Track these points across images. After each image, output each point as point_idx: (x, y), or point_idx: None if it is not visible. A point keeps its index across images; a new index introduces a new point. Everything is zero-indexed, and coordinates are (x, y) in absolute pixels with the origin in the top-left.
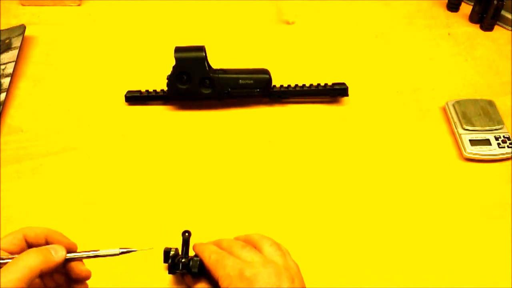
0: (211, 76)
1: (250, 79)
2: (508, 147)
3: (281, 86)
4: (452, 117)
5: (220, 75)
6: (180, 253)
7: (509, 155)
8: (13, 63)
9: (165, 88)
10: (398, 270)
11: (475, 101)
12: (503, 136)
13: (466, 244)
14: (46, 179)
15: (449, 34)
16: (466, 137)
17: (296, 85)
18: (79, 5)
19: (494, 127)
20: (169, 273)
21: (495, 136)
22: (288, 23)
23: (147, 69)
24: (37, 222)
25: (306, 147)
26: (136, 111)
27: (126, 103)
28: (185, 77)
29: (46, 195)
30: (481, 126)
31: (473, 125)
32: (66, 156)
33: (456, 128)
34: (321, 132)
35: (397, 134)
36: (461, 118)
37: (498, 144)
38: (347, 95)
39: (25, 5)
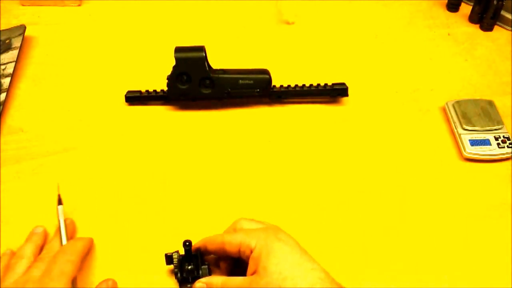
0: (211, 76)
1: (250, 79)
2: (508, 147)
3: (281, 86)
4: (452, 117)
5: (220, 75)
6: (182, 258)
7: (509, 155)
8: (13, 63)
9: (165, 88)
10: (398, 270)
11: (475, 101)
12: (503, 136)
13: (466, 244)
14: (46, 179)
15: (449, 34)
16: (466, 137)
17: (296, 85)
18: (79, 5)
19: (494, 127)
20: (180, 286)
21: (494, 136)
22: (288, 23)
23: (147, 69)
24: (37, 222)
25: (306, 147)
26: (136, 111)
27: (126, 103)
28: (185, 77)
29: (46, 195)
30: (481, 126)
31: (473, 125)
32: (66, 156)
33: (456, 128)
34: (321, 132)
35: (397, 134)
36: (461, 118)
37: (498, 144)
38: (347, 95)
39: (25, 5)
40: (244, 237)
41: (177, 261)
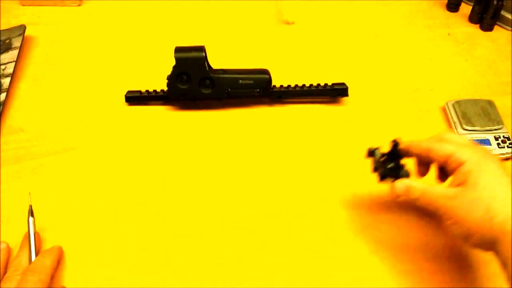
0: (211, 76)
1: (250, 79)
2: (507, 147)
3: (281, 86)
4: (452, 117)
5: (220, 75)
6: (384, 155)
7: (509, 155)
8: (13, 63)
9: (165, 88)
10: (398, 270)
11: (475, 101)
12: (503, 136)
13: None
14: (46, 179)
15: (449, 34)
16: (466, 137)
17: (296, 85)
18: (79, 5)
19: (494, 127)
20: (380, 180)
21: (495, 136)
22: (288, 23)
23: (147, 69)
24: (37, 223)
25: (306, 147)
26: (136, 111)
27: (126, 103)
28: (185, 77)
29: (46, 195)
30: (481, 126)
31: (473, 125)
32: (66, 156)
33: (456, 128)
34: (321, 132)
35: (397, 134)
36: (461, 118)
37: (498, 144)
38: (347, 95)
39: (25, 5)
40: (456, 149)
41: (379, 157)
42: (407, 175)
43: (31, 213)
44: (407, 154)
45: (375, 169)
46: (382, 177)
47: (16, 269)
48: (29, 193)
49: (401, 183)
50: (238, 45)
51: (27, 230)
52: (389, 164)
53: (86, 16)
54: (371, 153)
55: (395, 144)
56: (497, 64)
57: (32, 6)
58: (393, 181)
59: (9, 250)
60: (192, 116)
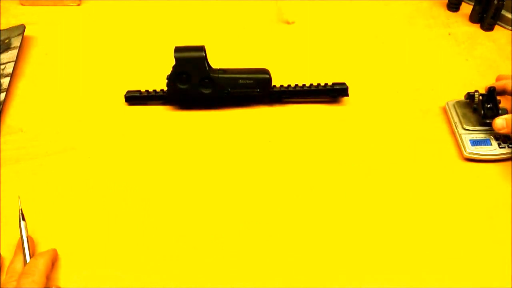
0: (211, 76)
1: (250, 79)
2: (508, 147)
3: (281, 86)
4: (452, 117)
5: (220, 75)
6: (483, 98)
7: (509, 155)
8: (13, 63)
9: (165, 88)
10: (398, 270)
11: None
12: (503, 136)
13: (466, 244)
14: (46, 179)
15: (449, 34)
16: (467, 137)
17: (296, 85)
18: (78, 5)
19: None
20: (482, 119)
21: (495, 136)
22: (288, 23)
23: (147, 69)
24: (36, 223)
25: (306, 147)
26: (136, 111)
27: (126, 103)
28: (185, 77)
29: (46, 195)
30: (482, 126)
31: (474, 125)
32: (66, 156)
33: (457, 128)
34: (321, 132)
35: (397, 134)
36: (461, 118)
37: (499, 144)
38: (347, 95)
39: (25, 5)
40: None
41: (478, 99)
42: (504, 112)
43: (22, 217)
44: (503, 92)
45: (474, 110)
46: (483, 117)
47: (11, 275)
48: (19, 197)
49: (500, 119)
50: (238, 45)
51: (19, 235)
52: (488, 105)
53: (86, 16)
54: (470, 97)
55: (493, 89)
56: (498, 64)
57: (32, 6)
58: (492, 119)
59: (1, 258)
60: (192, 116)
